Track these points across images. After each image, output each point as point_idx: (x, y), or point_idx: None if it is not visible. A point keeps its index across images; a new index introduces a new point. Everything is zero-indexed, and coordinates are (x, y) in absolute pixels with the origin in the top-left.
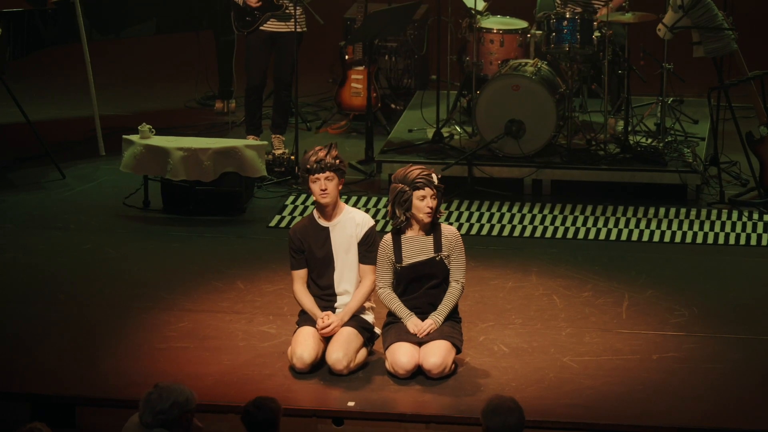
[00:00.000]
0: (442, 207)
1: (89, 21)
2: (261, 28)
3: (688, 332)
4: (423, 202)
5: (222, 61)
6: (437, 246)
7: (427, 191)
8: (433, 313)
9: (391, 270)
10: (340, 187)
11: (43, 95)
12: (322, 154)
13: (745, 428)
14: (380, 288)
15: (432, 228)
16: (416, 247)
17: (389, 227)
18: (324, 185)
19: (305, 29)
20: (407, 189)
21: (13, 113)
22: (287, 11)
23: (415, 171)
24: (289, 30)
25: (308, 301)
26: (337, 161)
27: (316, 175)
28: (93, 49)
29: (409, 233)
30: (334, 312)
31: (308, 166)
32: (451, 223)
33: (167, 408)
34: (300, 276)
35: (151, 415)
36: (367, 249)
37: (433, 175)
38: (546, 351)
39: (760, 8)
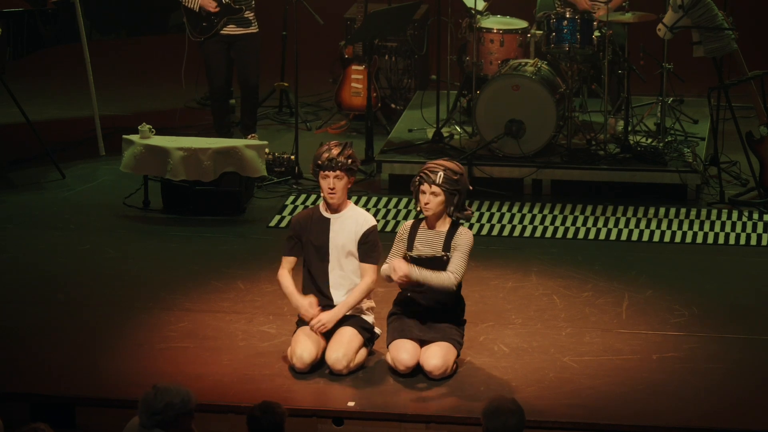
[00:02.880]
0: (471, 207)
1: (89, 21)
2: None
3: (688, 332)
4: (422, 197)
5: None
6: (447, 245)
7: (425, 187)
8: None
9: (402, 253)
10: (350, 186)
11: (43, 95)
12: (335, 151)
13: (745, 428)
14: (386, 264)
15: (450, 227)
16: (428, 241)
17: (397, 226)
18: (332, 184)
19: (258, 30)
20: (416, 180)
21: (13, 113)
22: (245, 15)
23: (428, 164)
24: (245, 32)
25: (290, 286)
26: (350, 161)
27: (326, 172)
28: (93, 49)
29: (427, 225)
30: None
31: (319, 162)
32: None
33: (161, 409)
34: (289, 262)
35: (147, 415)
36: (369, 248)
37: (440, 173)
38: (546, 351)
39: (760, 8)
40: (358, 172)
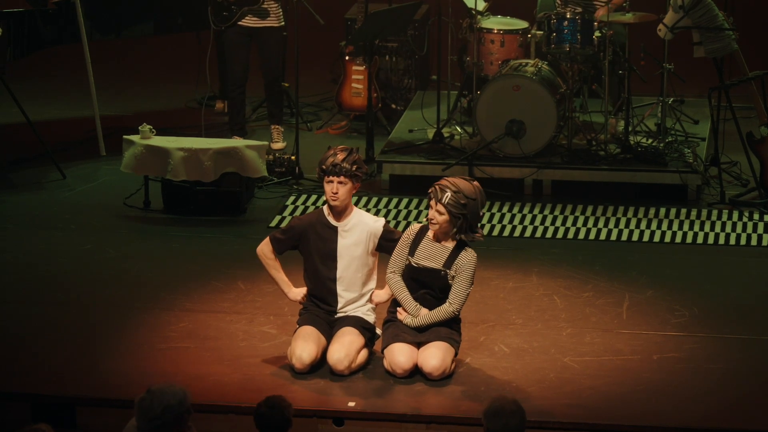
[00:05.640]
0: (482, 231)
1: (90, 21)
2: (239, 23)
3: (688, 332)
4: (429, 211)
5: (222, 62)
6: (449, 262)
7: (433, 203)
8: (424, 311)
9: (404, 261)
10: (355, 191)
11: (43, 95)
12: (340, 157)
13: (745, 428)
14: (391, 272)
15: (456, 243)
16: (431, 253)
17: (397, 227)
18: (336, 188)
19: (283, 23)
20: (429, 191)
21: (13, 113)
22: (263, 6)
23: (443, 180)
24: (267, 25)
25: (281, 270)
26: (354, 167)
27: (330, 177)
28: (93, 49)
29: (433, 236)
30: (334, 316)
31: (324, 167)
32: None
33: (159, 414)
34: (272, 249)
35: (146, 420)
36: (394, 242)
37: (448, 193)
38: (547, 351)
39: (760, 8)
40: (363, 179)
